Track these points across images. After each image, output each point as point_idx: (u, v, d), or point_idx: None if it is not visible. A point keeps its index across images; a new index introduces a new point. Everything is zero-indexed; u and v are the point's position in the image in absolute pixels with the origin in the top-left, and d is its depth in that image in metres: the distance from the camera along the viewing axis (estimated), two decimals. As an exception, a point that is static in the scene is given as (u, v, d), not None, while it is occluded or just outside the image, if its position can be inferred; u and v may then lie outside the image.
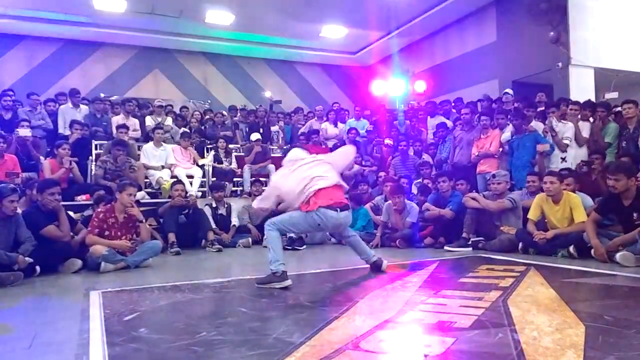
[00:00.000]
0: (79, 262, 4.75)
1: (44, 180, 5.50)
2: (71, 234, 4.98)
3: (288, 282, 3.60)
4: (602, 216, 4.64)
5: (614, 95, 9.32)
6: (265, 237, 3.94)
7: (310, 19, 11.81)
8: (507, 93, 8.78)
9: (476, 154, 7.10)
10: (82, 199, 6.59)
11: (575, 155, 6.59)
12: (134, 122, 8.89)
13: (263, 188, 7.86)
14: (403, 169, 8.01)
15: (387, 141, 8.91)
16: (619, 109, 6.84)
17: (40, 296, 3.78)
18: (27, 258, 4.28)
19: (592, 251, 4.47)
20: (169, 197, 6.80)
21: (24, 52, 11.95)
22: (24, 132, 7.22)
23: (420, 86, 11.68)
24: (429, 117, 9.45)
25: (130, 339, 2.36)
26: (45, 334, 2.52)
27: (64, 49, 12.32)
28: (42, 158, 7.41)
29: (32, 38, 11.92)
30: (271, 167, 8.67)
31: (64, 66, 12.26)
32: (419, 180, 7.41)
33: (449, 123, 8.61)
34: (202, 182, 8.05)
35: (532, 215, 5.17)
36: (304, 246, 6.31)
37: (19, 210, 4.66)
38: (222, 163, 8.53)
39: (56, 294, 3.84)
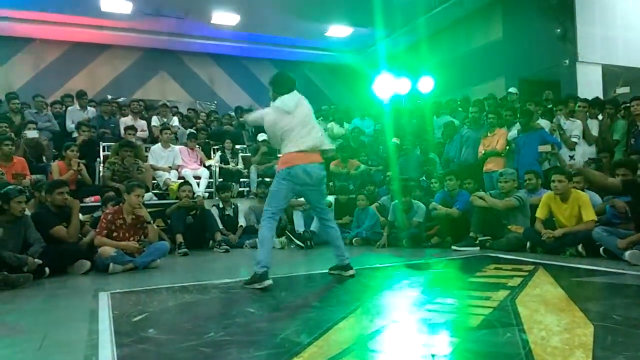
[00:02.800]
0: (87, 264, 4.78)
1: (53, 181, 5.54)
2: (79, 235, 5.01)
3: (268, 282, 3.57)
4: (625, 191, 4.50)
5: (625, 89, 9.25)
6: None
7: (316, 19, 11.81)
8: (511, 92, 8.75)
9: (482, 152, 7.07)
10: (90, 201, 6.63)
11: (584, 153, 6.55)
12: (142, 124, 8.94)
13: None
14: (409, 169, 7.98)
15: (394, 140, 8.89)
16: (627, 105, 6.80)
17: (50, 297, 3.81)
18: (36, 260, 4.32)
19: (601, 249, 4.44)
20: (177, 198, 6.84)
21: (31, 55, 12.03)
22: (31, 134, 7.28)
23: (426, 85, 11.65)
24: (435, 116, 9.42)
25: (139, 339, 2.38)
26: (54, 335, 2.54)
27: (71, 51, 12.40)
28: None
29: (39, 41, 12.00)
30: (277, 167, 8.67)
31: (72, 68, 12.34)
32: (423, 179, 7.41)
33: (456, 122, 8.58)
34: (209, 182, 8.08)
35: (540, 214, 5.14)
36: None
37: (28, 212, 4.70)
38: (228, 164, 8.56)
39: (65, 295, 3.86)
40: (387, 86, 11.88)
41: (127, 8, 10.74)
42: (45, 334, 2.54)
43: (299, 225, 6.53)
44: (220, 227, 6.73)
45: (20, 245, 4.44)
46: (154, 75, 13.29)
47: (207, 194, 7.86)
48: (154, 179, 7.72)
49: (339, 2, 10.96)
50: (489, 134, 7.12)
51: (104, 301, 3.31)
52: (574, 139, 6.52)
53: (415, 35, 12.88)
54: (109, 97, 11.05)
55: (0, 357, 2.24)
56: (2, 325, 2.88)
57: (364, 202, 6.89)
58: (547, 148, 6.30)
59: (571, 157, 6.49)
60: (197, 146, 8.50)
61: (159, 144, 8.13)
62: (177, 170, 7.96)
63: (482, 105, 8.28)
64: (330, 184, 8.12)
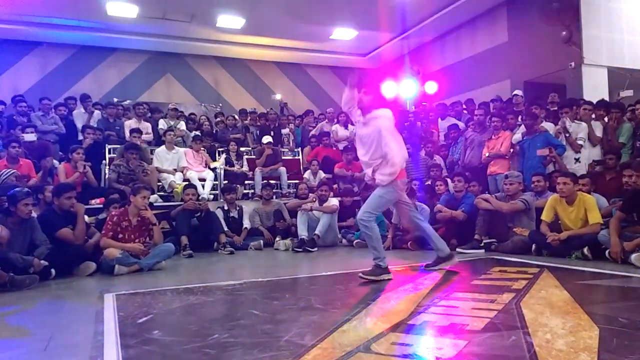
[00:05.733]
0: (93, 265, 4.81)
1: (60, 184, 5.56)
2: (85, 237, 5.04)
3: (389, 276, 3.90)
4: (626, 214, 4.55)
5: (628, 93, 9.21)
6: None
7: (321, 22, 11.83)
8: (516, 95, 8.73)
9: (487, 154, 7.06)
10: (96, 203, 6.66)
11: (589, 156, 6.52)
12: (146, 126, 8.97)
13: (274, 191, 7.93)
14: (414, 171, 7.97)
15: None
16: (633, 107, 6.77)
17: (56, 299, 3.83)
18: (42, 261, 4.35)
19: (607, 252, 4.42)
20: (182, 200, 6.86)
21: (38, 58, 12.11)
22: (29, 137, 7.31)
23: (431, 87, 11.63)
24: (439, 119, 9.41)
25: (144, 341, 2.39)
26: (60, 337, 2.56)
27: (77, 55, 12.47)
28: (55, 162, 7.51)
29: (46, 44, 12.08)
30: (282, 169, 8.70)
31: (78, 72, 12.40)
32: (428, 182, 7.38)
33: (461, 124, 8.56)
34: (214, 185, 8.10)
35: (546, 216, 5.13)
36: (316, 248, 6.31)
37: (34, 214, 4.73)
38: (233, 166, 8.58)
39: (71, 296, 3.88)
40: (392, 89, 11.90)
41: (132, 12, 10.79)
42: (51, 335, 2.55)
43: (302, 229, 6.54)
44: (225, 229, 6.74)
45: (27, 247, 4.48)
46: (159, 78, 13.35)
47: (212, 196, 7.88)
48: (159, 181, 7.75)
49: (344, 6, 10.97)
50: (493, 137, 7.10)
51: (110, 303, 3.32)
52: (579, 142, 6.49)
53: (420, 38, 12.89)
54: (115, 99, 11.10)
55: (7, 358, 2.26)
56: (8, 327, 2.91)
57: None
58: (545, 152, 6.29)
59: (577, 160, 6.46)
60: (202, 148, 8.53)
61: (163, 146, 8.17)
62: (182, 172, 7.99)
63: (487, 107, 8.27)
64: (335, 186, 8.13)
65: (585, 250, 4.65)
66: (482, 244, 5.61)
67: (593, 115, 6.83)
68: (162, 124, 9.15)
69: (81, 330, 2.66)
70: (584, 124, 6.61)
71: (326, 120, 10.50)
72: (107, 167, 7.67)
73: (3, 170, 6.05)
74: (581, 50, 9.11)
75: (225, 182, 8.14)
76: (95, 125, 8.71)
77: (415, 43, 13.23)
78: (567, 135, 6.53)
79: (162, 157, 8.01)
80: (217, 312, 3.16)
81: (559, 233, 4.91)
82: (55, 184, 6.22)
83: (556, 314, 2.61)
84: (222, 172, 8.33)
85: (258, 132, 9.97)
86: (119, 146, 8.04)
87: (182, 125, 9.36)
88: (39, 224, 4.65)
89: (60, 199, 4.89)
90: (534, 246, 5.16)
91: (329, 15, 11.43)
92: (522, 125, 6.90)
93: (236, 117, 10.50)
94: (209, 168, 8.31)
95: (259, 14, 11.24)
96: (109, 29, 11.67)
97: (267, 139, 8.90)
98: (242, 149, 9.17)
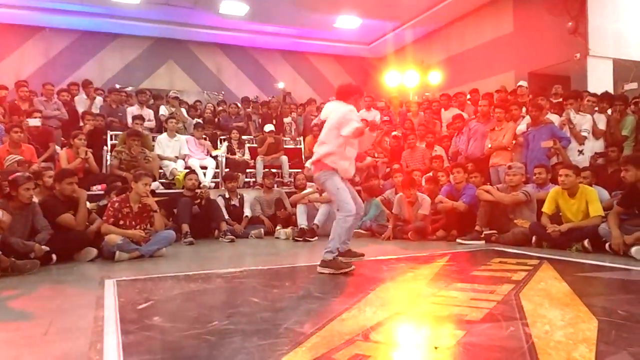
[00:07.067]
0: (94, 251, 4.83)
1: (62, 170, 5.57)
2: (86, 223, 5.05)
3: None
4: (624, 208, 4.56)
5: (633, 85, 9.16)
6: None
7: (324, 10, 11.74)
8: (521, 85, 8.66)
9: (489, 146, 7.02)
10: (97, 189, 6.67)
11: (592, 148, 6.49)
12: (148, 113, 8.97)
13: (276, 180, 7.93)
14: (413, 162, 7.95)
15: (395, 133, 8.86)
16: (637, 100, 6.72)
17: (56, 284, 3.85)
18: (43, 246, 4.37)
19: (607, 244, 4.42)
20: (183, 187, 6.88)
21: (41, 43, 12.07)
22: (33, 122, 7.30)
23: (435, 77, 11.58)
24: (442, 110, 9.36)
25: (144, 327, 2.40)
26: (60, 321, 2.57)
27: (80, 40, 12.42)
28: (57, 148, 7.51)
29: (49, 29, 12.03)
30: (284, 158, 8.69)
31: (81, 57, 12.36)
32: (429, 174, 7.37)
33: (465, 115, 8.51)
34: (215, 172, 8.10)
35: (547, 208, 5.12)
36: (316, 237, 6.31)
37: (36, 199, 4.74)
38: (235, 154, 8.57)
39: (72, 282, 3.90)
40: (395, 78, 11.85)
41: (136, -3, 10.74)
42: (51, 320, 2.57)
43: (302, 219, 6.55)
44: (226, 217, 6.76)
45: (28, 232, 4.49)
46: (162, 65, 13.30)
47: (213, 184, 7.89)
48: (160, 168, 7.75)
49: (348, -6, 10.89)
50: (496, 128, 7.07)
51: (110, 289, 3.34)
52: (584, 134, 6.45)
53: (424, 27, 12.79)
54: (117, 85, 11.07)
55: (7, 342, 2.27)
56: (9, 311, 2.93)
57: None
58: (550, 144, 6.25)
59: (580, 152, 6.43)
60: (204, 136, 8.52)
61: (165, 133, 8.16)
62: (183, 159, 7.99)
63: (491, 98, 8.21)
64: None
65: (586, 242, 4.65)
66: (483, 235, 5.61)
67: (596, 108, 6.78)
68: (163, 110, 9.13)
69: (81, 316, 2.67)
70: (588, 116, 6.57)
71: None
72: (109, 153, 7.68)
73: (9, 156, 6.09)
74: (587, 41, 9.03)
75: (227, 170, 8.14)
76: (97, 112, 8.70)
77: (420, 32, 13.12)
78: (572, 126, 6.49)
79: (164, 144, 8.01)
80: (217, 299, 3.17)
81: (560, 225, 4.90)
82: (57, 169, 6.22)
83: (555, 305, 2.61)
84: (224, 160, 8.33)
85: (260, 120, 9.94)
86: (121, 133, 8.04)
87: (182, 111, 9.35)
88: (40, 209, 4.66)
89: (62, 184, 4.90)
90: (534, 238, 5.16)
91: (333, 3, 11.33)
92: (527, 117, 6.85)
93: (238, 105, 10.47)
94: (211, 156, 8.31)
95: (263, 1, 11.15)
96: (112, 14, 11.62)
97: (269, 127, 8.88)
98: (243, 137, 9.16)
